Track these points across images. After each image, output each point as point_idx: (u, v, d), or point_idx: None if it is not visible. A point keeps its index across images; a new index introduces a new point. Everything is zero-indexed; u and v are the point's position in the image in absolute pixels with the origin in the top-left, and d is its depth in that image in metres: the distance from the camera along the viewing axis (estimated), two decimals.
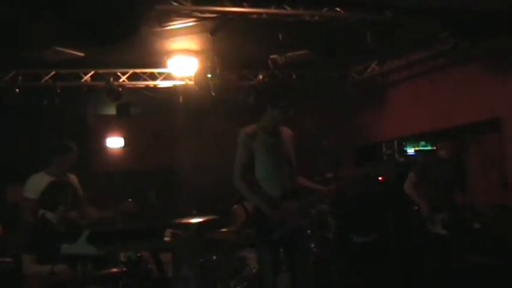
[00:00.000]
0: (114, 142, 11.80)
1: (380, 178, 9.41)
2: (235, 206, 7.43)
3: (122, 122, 10.81)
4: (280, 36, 7.59)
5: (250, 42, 8.27)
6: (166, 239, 6.73)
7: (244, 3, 6.74)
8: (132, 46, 7.43)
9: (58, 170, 6.13)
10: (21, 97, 9.02)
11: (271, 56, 8.92)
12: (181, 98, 10.03)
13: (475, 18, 6.97)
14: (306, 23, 7.14)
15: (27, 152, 8.89)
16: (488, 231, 7.32)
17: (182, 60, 9.10)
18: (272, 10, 6.87)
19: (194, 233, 7.21)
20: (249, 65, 9.77)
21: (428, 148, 9.68)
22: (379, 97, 10.52)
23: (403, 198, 7.35)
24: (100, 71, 9.34)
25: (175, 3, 6.52)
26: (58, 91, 9.10)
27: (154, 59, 9.18)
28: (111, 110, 10.31)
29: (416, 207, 7.15)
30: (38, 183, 6.00)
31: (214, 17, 6.90)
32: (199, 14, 6.85)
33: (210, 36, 7.39)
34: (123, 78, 9.49)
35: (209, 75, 8.79)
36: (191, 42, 8.51)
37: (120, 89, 9.37)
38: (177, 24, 7.42)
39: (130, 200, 6.10)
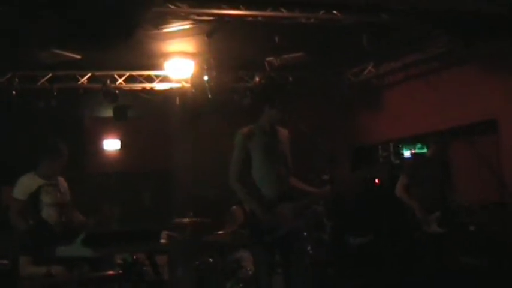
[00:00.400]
0: (111, 144, 11.78)
1: (376, 180, 9.43)
2: (234, 207, 7.44)
3: (119, 124, 10.80)
4: (276, 38, 7.62)
5: (246, 45, 8.29)
6: (162, 241, 6.74)
7: (240, 6, 6.76)
8: (129, 48, 7.44)
9: (48, 172, 6.10)
10: (17, 99, 9.01)
11: (268, 58, 8.95)
12: (177, 100, 10.05)
13: (470, 20, 6.99)
14: (302, 26, 7.16)
15: (23, 154, 8.86)
16: (482, 231, 7.35)
17: (179, 62, 9.12)
18: (268, 13, 6.88)
19: (190, 235, 7.23)
20: (245, 67, 9.79)
21: (425, 151, 9.69)
22: (375, 99, 10.54)
23: (398, 200, 7.38)
24: (97, 73, 9.35)
25: (172, 6, 6.53)
26: (55, 93, 9.10)
27: (151, 61, 9.20)
28: (108, 112, 10.31)
29: (412, 210, 7.18)
30: (26, 184, 6.00)
31: (211, 20, 6.91)
32: (195, 17, 6.85)
33: (206, 38, 7.41)
34: (120, 80, 9.49)
35: (205, 78, 8.81)
36: (188, 45, 8.53)
37: (117, 91, 9.38)
38: (174, 26, 7.44)
39: (107, 205, 6.07)
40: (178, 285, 7.06)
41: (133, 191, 11.07)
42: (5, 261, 5.87)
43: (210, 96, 9.11)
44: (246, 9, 6.79)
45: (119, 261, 5.61)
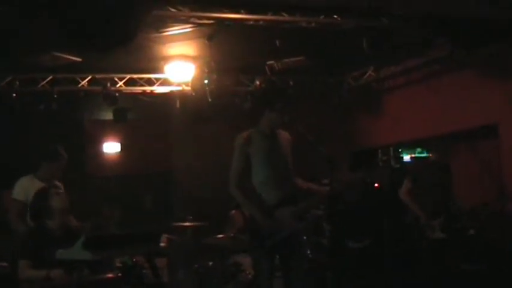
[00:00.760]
0: (111, 147, 11.79)
1: (376, 184, 9.42)
2: (233, 212, 7.44)
3: (119, 126, 10.80)
4: (277, 42, 7.62)
5: (247, 48, 8.30)
6: (162, 244, 6.74)
7: (241, 10, 6.76)
8: (129, 51, 7.44)
9: (47, 175, 6.14)
10: (18, 102, 9.02)
11: (268, 62, 8.95)
12: (178, 103, 10.04)
13: (471, 26, 6.99)
14: (303, 30, 7.16)
15: (23, 157, 8.87)
16: (482, 236, 7.35)
17: (179, 65, 9.12)
18: (269, 17, 6.89)
19: (189, 238, 7.23)
20: (245, 71, 9.80)
21: (424, 155, 9.68)
22: (375, 103, 10.54)
23: (398, 204, 7.38)
24: (97, 76, 9.35)
25: (172, 9, 6.54)
26: (55, 96, 9.11)
27: (152, 65, 9.20)
28: (108, 115, 10.32)
29: (412, 216, 7.19)
30: (26, 186, 6.03)
31: (212, 23, 6.91)
32: (196, 20, 6.86)
33: (207, 42, 7.40)
34: (120, 83, 9.50)
35: (206, 81, 8.81)
36: (188, 48, 8.53)
37: (117, 94, 9.38)
38: (175, 30, 7.45)
39: (107, 208, 6.09)
40: None
41: (134, 193, 11.07)
42: (4, 264, 5.88)
43: (210, 99, 9.11)
44: (247, 13, 6.79)
45: (119, 264, 5.63)
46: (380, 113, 10.47)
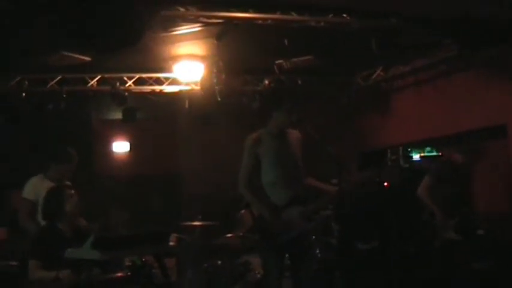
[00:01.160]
0: (120, 146, 11.82)
1: (385, 184, 9.39)
2: (243, 211, 7.44)
3: (128, 126, 10.82)
4: (285, 41, 7.61)
5: (255, 48, 8.29)
6: (171, 243, 6.75)
7: (250, 9, 6.76)
8: (138, 51, 7.44)
9: (58, 175, 6.16)
10: (27, 102, 9.05)
11: (277, 62, 8.94)
12: (187, 102, 10.04)
13: (478, 26, 6.97)
14: (312, 29, 7.15)
15: (32, 158, 8.91)
16: (493, 237, 7.32)
17: (188, 65, 9.11)
18: (278, 16, 6.88)
19: (198, 237, 7.23)
20: (254, 71, 9.78)
21: (434, 154, 9.65)
22: (384, 103, 10.51)
23: (409, 203, 7.35)
24: (106, 75, 9.35)
25: (181, 9, 6.55)
26: (64, 95, 9.13)
27: (160, 64, 9.21)
28: (117, 115, 10.33)
29: (428, 213, 7.17)
30: (36, 185, 6.06)
31: (220, 23, 6.91)
32: (205, 20, 6.86)
33: (215, 41, 7.40)
34: (129, 82, 9.50)
35: (215, 81, 8.81)
36: (197, 48, 8.53)
37: (126, 94, 9.39)
38: (183, 29, 7.44)
39: (116, 208, 6.11)
40: (186, 287, 7.06)
41: (142, 193, 11.08)
42: (14, 263, 5.91)
43: (219, 99, 9.11)
44: (256, 12, 6.79)
45: (128, 264, 5.64)
46: (389, 113, 10.44)
